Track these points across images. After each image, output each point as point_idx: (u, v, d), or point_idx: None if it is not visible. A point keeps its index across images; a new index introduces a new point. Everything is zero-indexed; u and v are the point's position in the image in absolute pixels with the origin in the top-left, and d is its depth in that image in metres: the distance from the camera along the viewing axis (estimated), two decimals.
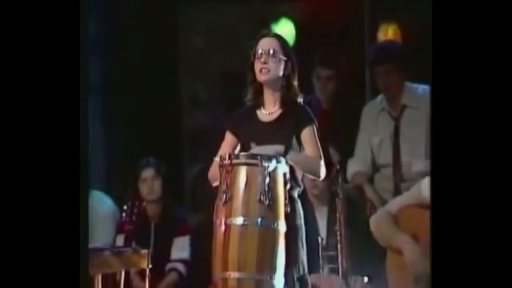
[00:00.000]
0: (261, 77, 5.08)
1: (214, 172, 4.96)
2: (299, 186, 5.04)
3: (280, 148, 4.93)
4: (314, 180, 5.38)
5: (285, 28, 7.69)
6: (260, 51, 5.09)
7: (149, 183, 6.69)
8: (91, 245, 5.48)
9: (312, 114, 5.20)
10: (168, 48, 8.06)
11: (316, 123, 5.16)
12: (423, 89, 7.00)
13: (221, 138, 5.29)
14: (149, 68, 7.78)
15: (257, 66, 5.08)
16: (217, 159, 4.95)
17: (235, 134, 5.19)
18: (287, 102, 5.17)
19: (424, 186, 5.11)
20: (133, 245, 5.69)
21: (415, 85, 7.05)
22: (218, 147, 5.20)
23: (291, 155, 4.93)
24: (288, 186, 4.86)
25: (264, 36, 5.20)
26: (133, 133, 7.56)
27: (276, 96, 5.16)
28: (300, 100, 5.22)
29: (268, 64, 5.07)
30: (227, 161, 4.84)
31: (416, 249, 4.94)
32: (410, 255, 4.93)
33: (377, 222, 5.16)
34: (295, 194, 4.97)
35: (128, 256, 5.34)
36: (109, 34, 7.96)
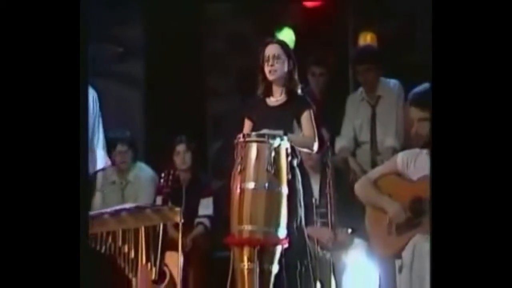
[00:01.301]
0: (270, 77, 5.17)
1: None
2: (297, 158, 5.04)
3: (279, 132, 4.94)
4: (309, 154, 5.39)
5: (287, 35, 7.66)
6: (267, 55, 5.15)
7: (182, 155, 6.70)
8: (136, 204, 5.50)
9: (310, 101, 5.26)
10: (196, 51, 8.07)
11: (314, 108, 5.20)
12: (394, 83, 7.04)
13: (237, 122, 5.32)
14: (181, 66, 7.79)
15: (266, 68, 5.16)
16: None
17: (250, 119, 5.22)
18: (290, 91, 5.23)
19: (398, 159, 5.11)
20: (169, 204, 5.71)
21: (387, 80, 7.05)
22: (234, 128, 5.21)
23: (289, 136, 4.96)
24: (289, 158, 4.87)
25: (269, 43, 5.25)
26: (169, 117, 7.57)
27: (282, 87, 5.23)
28: (299, 90, 5.27)
29: (274, 66, 5.14)
30: (241, 139, 4.89)
31: (395, 204, 4.93)
32: (392, 210, 4.92)
33: (361, 187, 5.17)
34: (295, 164, 4.98)
35: (165, 212, 5.33)
36: (151, 39, 7.96)
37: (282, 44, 5.30)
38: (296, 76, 5.26)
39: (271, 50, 5.18)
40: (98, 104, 5.55)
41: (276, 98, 5.25)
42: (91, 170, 5.62)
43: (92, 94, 5.52)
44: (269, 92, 5.26)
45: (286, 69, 5.20)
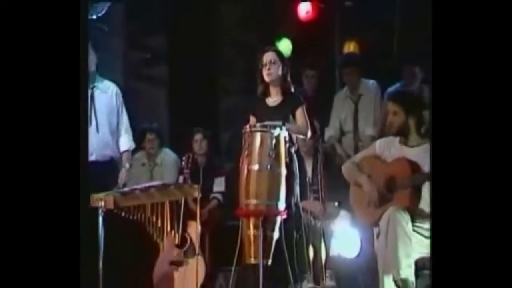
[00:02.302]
0: (267, 79, 5.17)
1: None
2: (294, 145, 5.05)
3: (279, 123, 4.94)
4: (304, 141, 5.40)
5: (285, 44, 7.65)
6: (265, 61, 5.17)
7: (199, 143, 6.69)
8: (162, 182, 5.50)
9: (302, 100, 5.27)
10: (211, 57, 8.10)
11: (305, 104, 5.22)
12: (372, 83, 7.07)
13: (244, 116, 5.34)
14: (199, 70, 7.82)
15: (264, 71, 5.17)
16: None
17: (254, 115, 5.22)
18: (285, 91, 5.22)
19: (377, 145, 5.12)
20: (189, 182, 5.71)
21: (367, 80, 7.07)
22: (242, 121, 5.23)
23: (288, 125, 4.98)
24: (287, 145, 4.88)
25: (266, 50, 5.26)
26: (189, 112, 7.59)
27: (277, 88, 5.25)
28: (292, 89, 5.29)
29: (271, 69, 5.15)
30: (248, 130, 4.89)
31: (370, 183, 4.93)
32: (367, 187, 4.92)
33: (346, 168, 5.17)
34: (292, 150, 4.99)
35: (186, 189, 5.34)
36: (173, 48, 7.97)
37: (277, 52, 5.32)
38: (289, 78, 5.27)
39: (268, 56, 5.20)
40: (120, 98, 5.53)
41: (274, 98, 5.25)
42: (117, 152, 5.58)
43: (114, 90, 5.51)
44: (267, 92, 5.27)
45: (280, 72, 5.20)
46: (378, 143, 5.11)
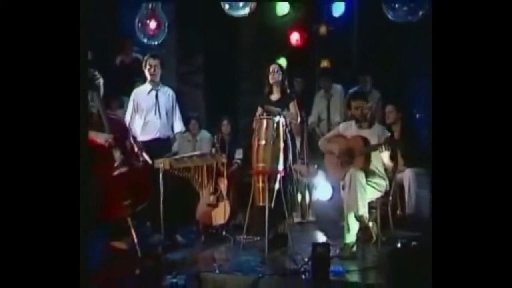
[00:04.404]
0: (271, 81, 5.18)
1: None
2: (287, 127, 5.06)
3: (278, 109, 4.95)
4: (295, 125, 5.41)
5: (282, 60, 7.63)
6: (271, 70, 5.22)
7: (225, 127, 6.70)
8: (201, 152, 5.51)
9: (294, 97, 5.32)
10: (233, 69, 8.11)
11: (296, 101, 5.23)
12: (340, 87, 7.06)
13: (255, 107, 5.34)
14: (226, 77, 7.85)
15: (270, 76, 5.17)
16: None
17: (261, 107, 5.22)
18: (282, 91, 5.26)
19: (340, 127, 5.12)
20: (219, 152, 5.72)
21: (336, 85, 7.07)
22: (254, 111, 5.24)
23: (284, 114, 4.97)
24: (284, 127, 4.89)
25: (272, 63, 5.35)
26: (218, 105, 7.59)
27: (278, 89, 5.28)
28: (288, 90, 5.30)
29: (274, 76, 5.17)
30: (257, 117, 4.91)
31: (337, 149, 4.95)
32: (336, 150, 4.94)
33: (321, 142, 5.19)
34: (287, 131, 5.00)
35: (217, 157, 5.36)
36: (208, 63, 7.97)
37: (279, 65, 5.38)
38: (286, 83, 5.32)
39: (273, 67, 5.27)
40: (174, 97, 5.50)
41: (275, 95, 5.30)
42: (171, 133, 5.52)
43: (171, 93, 5.48)
44: (271, 91, 5.31)
45: (280, 78, 5.24)
46: (341, 125, 5.14)
